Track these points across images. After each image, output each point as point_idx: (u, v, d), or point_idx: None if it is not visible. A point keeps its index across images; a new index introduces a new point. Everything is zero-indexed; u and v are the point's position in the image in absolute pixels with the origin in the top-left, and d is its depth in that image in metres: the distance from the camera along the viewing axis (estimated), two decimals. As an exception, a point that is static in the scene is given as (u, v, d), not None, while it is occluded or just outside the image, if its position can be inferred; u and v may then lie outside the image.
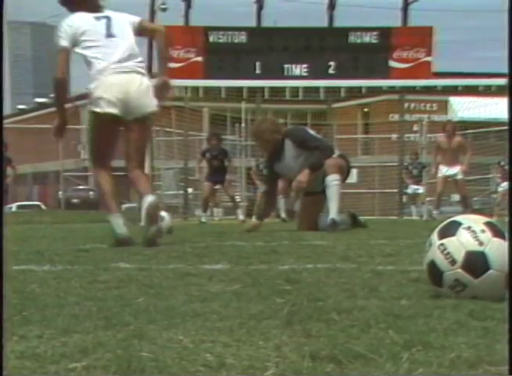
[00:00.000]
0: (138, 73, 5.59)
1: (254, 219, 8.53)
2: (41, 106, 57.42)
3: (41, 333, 2.02)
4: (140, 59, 5.64)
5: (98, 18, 5.54)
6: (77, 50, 5.50)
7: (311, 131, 8.46)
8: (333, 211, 7.82)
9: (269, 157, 8.28)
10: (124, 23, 5.60)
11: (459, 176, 14.32)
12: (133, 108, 5.49)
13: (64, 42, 5.48)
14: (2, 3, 1.89)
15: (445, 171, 14.22)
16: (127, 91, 5.45)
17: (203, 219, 14.69)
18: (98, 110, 5.47)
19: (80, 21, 5.52)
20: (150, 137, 5.39)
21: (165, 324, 2.14)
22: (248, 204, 21.21)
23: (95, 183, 6.33)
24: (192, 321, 2.19)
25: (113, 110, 5.45)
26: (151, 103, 5.58)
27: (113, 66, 5.43)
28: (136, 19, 5.75)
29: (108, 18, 5.58)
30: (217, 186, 15.30)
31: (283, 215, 15.76)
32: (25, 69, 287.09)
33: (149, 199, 5.43)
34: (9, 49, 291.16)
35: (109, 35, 5.50)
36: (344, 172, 8.07)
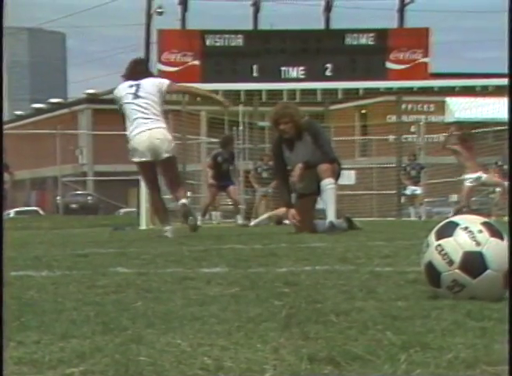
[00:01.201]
0: (159, 127, 7.65)
1: (288, 210, 8.26)
2: (39, 111, 57.38)
3: (38, 338, 2.02)
4: (160, 114, 7.67)
5: (131, 85, 7.66)
6: (122, 106, 7.72)
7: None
8: (330, 214, 7.83)
9: (278, 144, 8.15)
10: (151, 87, 7.61)
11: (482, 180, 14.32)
12: (158, 154, 7.62)
13: (116, 102, 7.85)
14: (2, 4, 1.89)
15: (475, 177, 14.17)
16: (153, 143, 7.56)
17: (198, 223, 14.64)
18: (136, 159, 7.69)
19: (120, 88, 7.81)
20: (177, 169, 8.26)
21: (163, 328, 2.14)
22: (247, 207, 21.20)
23: (151, 203, 9.24)
24: (190, 325, 2.19)
25: (145, 158, 7.64)
26: (170, 149, 7.75)
27: (141, 121, 7.54)
28: (165, 83, 7.83)
29: (138, 85, 7.64)
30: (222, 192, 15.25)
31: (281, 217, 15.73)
32: (22, 75, 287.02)
33: (182, 201, 7.97)
34: (5, 55, 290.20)
35: (136, 97, 7.58)
36: (336, 175, 8.09)
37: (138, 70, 7.82)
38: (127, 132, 7.70)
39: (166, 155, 7.64)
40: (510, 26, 2.27)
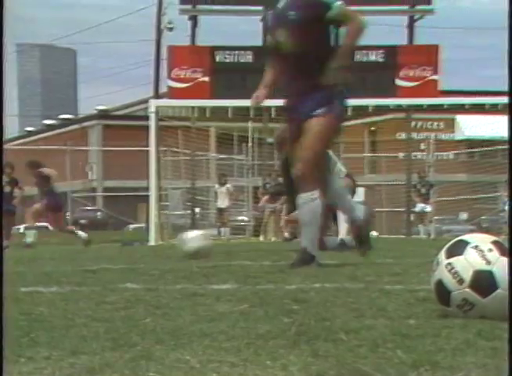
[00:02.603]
0: None
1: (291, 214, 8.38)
2: (49, 127, 57.61)
3: (48, 354, 2.02)
4: None
5: None
6: None
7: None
8: (342, 231, 7.82)
9: (285, 161, 8.17)
10: None
11: None
12: None
13: None
14: (2, 5, 1.90)
15: None
16: None
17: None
18: None
19: None
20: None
21: (172, 344, 2.14)
22: (255, 223, 21.19)
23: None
24: (199, 341, 2.18)
25: None
26: None
27: None
28: None
29: None
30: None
31: (286, 234, 15.74)
32: (33, 91, 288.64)
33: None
34: (17, 72, 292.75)
35: None
36: (351, 192, 8.06)
37: None
38: None
39: None
40: (510, 46, 2.27)
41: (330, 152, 8.39)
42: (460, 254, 2.60)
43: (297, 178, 5.26)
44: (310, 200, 5.22)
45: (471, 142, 28.93)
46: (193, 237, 6.66)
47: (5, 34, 2.01)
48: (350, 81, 5.43)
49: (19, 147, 43.33)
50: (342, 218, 7.81)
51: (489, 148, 22.17)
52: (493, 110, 27.28)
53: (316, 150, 5.21)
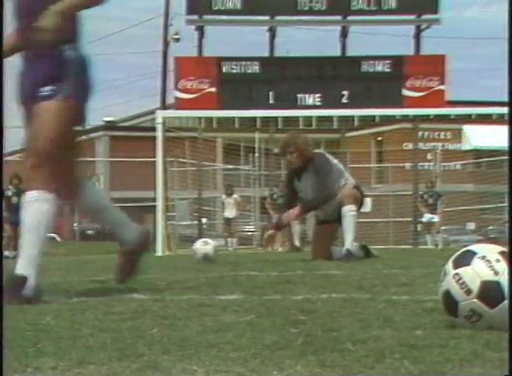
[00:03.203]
0: None
1: (271, 230, 8.37)
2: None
3: (55, 365, 2.02)
4: None
5: None
6: None
7: (336, 168, 8.05)
8: (348, 241, 7.79)
9: (291, 173, 8.18)
10: None
11: None
12: None
13: None
14: (2, 7, 1.91)
15: None
16: None
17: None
18: None
19: None
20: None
21: (179, 355, 2.14)
22: (262, 233, 21.16)
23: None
24: (206, 352, 2.18)
25: None
26: None
27: None
28: None
29: None
30: None
31: (297, 242, 15.72)
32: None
33: None
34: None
35: None
36: (359, 203, 8.04)
37: None
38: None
39: None
40: (510, 58, 2.27)
41: (336, 161, 8.39)
42: (468, 264, 2.60)
43: (27, 172, 4.05)
44: (35, 201, 4.02)
45: (478, 153, 28.89)
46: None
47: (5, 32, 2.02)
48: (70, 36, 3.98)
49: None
50: (348, 229, 7.79)
51: (496, 158, 22.13)
52: (500, 120, 27.24)
53: (50, 142, 3.92)
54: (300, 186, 8.01)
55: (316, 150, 8.40)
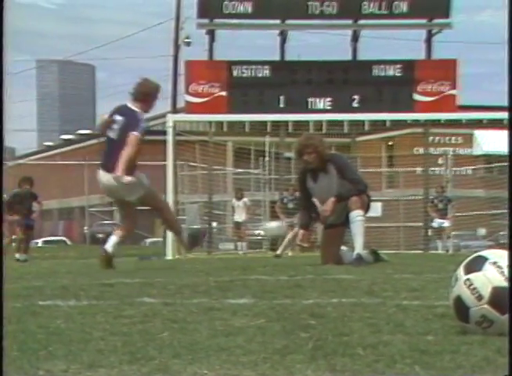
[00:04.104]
0: None
1: (300, 231, 8.37)
2: (67, 142, 57.96)
3: (66, 368, 2.03)
4: None
5: None
6: None
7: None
8: (358, 246, 7.78)
9: (303, 174, 8.16)
10: None
11: None
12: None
13: None
14: (2, 8, 1.92)
15: None
16: None
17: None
18: None
19: None
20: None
21: (189, 359, 2.14)
22: (272, 237, 21.13)
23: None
24: (216, 356, 2.18)
25: None
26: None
27: None
28: None
29: None
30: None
31: (280, 250, 15.68)
32: (52, 106, 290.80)
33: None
34: (36, 87, 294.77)
35: None
36: (366, 207, 8.04)
37: None
38: None
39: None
40: (509, 63, 2.26)
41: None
42: (479, 270, 2.59)
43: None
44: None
45: (489, 158, 28.79)
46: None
47: (6, 31, 2.03)
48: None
49: (39, 162, 43.61)
50: (358, 233, 7.78)
51: (508, 163, 22.03)
52: None
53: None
54: (315, 187, 8.00)
55: (332, 152, 8.44)
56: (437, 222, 19.65)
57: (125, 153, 7.45)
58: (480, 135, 34.80)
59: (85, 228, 37.65)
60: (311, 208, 8.14)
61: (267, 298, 3.92)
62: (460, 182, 23.84)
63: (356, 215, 7.79)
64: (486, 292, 2.54)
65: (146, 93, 7.66)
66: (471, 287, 2.57)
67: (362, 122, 35.74)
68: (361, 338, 2.49)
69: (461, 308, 2.59)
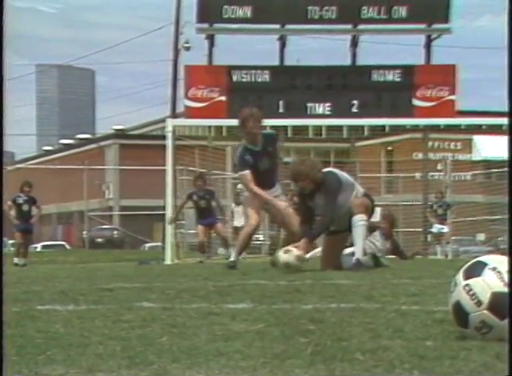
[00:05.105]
0: None
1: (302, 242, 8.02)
2: (66, 147, 57.99)
3: (65, 372, 2.02)
4: None
5: None
6: None
7: (346, 184, 7.93)
8: (358, 251, 7.77)
9: (301, 195, 8.17)
10: None
11: None
12: None
13: None
14: (2, 9, 1.92)
15: None
16: None
17: (201, 259, 14.74)
18: None
19: None
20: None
21: (188, 363, 2.13)
22: (271, 242, 21.13)
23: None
24: (215, 360, 2.18)
25: None
26: None
27: None
28: None
29: None
30: (212, 230, 15.70)
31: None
32: (51, 111, 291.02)
33: None
34: (36, 92, 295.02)
35: None
36: (369, 212, 8.03)
37: None
38: None
39: None
40: (509, 69, 2.26)
41: (346, 176, 8.37)
42: (478, 275, 2.58)
43: None
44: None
45: (488, 163, 28.81)
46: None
47: (5, 35, 2.03)
48: None
49: (38, 166, 43.61)
50: (359, 238, 7.77)
51: (507, 169, 22.05)
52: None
53: None
54: (313, 205, 8.03)
55: (326, 169, 8.34)
56: (436, 228, 19.65)
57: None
58: (479, 140, 34.86)
59: (84, 232, 37.67)
60: (311, 221, 8.14)
61: (266, 303, 3.92)
62: (459, 188, 23.85)
63: (359, 220, 7.78)
64: (485, 298, 2.54)
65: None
66: (470, 292, 2.57)
67: (362, 127, 35.73)
68: (360, 343, 2.49)
69: (460, 313, 2.59)
